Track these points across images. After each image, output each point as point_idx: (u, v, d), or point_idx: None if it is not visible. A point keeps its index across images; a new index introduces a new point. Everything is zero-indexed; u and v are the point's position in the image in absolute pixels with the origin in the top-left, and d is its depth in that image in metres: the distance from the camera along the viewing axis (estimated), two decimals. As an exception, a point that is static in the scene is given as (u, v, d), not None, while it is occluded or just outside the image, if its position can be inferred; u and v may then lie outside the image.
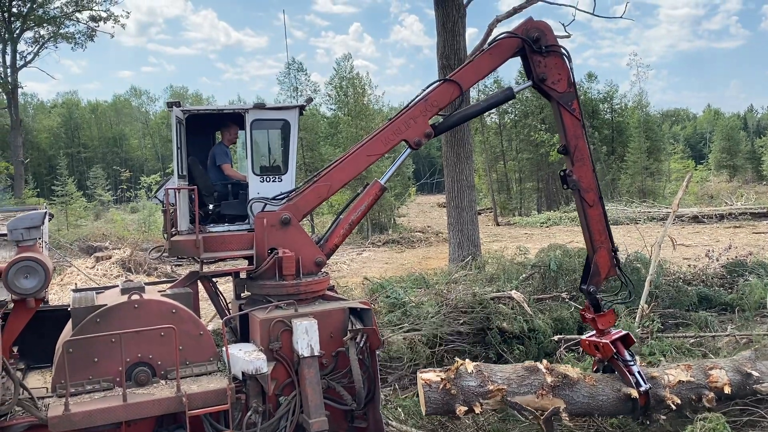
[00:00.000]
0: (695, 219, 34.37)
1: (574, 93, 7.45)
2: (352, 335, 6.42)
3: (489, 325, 10.38)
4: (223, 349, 6.09)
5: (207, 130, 7.91)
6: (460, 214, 16.32)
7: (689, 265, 15.54)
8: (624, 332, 7.67)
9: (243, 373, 5.94)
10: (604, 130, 56.45)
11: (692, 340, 10.62)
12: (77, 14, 42.10)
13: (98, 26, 42.45)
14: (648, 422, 7.54)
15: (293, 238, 6.76)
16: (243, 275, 7.20)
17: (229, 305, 7.58)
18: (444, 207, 21.71)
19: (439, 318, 10.35)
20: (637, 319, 10.80)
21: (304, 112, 7.18)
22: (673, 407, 7.35)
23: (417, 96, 7.26)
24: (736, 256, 15.86)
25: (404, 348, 9.65)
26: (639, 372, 7.38)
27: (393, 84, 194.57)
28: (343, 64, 44.65)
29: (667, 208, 35.89)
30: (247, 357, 5.95)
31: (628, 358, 7.47)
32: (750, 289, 12.82)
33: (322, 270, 6.97)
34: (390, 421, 7.76)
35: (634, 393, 7.21)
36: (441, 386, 6.98)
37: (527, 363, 7.52)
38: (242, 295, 7.25)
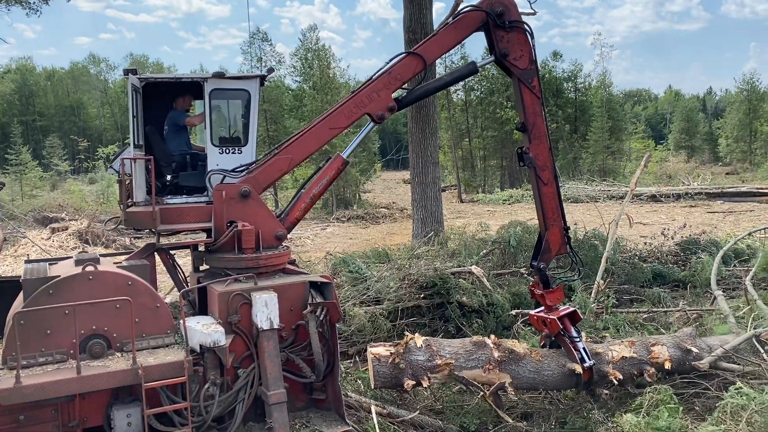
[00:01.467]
0: (653, 198, 35.27)
1: (536, 70, 7.47)
2: (312, 308, 6.41)
3: (449, 299, 10.52)
4: (181, 321, 6.02)
5: (165, 98, 7.69)
6: (424, 191, 16.40)
7: (645, 243, 15.95)
8: (571, 309, 7.83)
9: (201, 345, 5.88)
10: (568, 109, 57.13)
11: (645, 315, 10.97)
12: (31, -25, 40.34)
13: (54, -12, 40.75)
14: (592, 396, 7.76)
15: (253, 211, 6.66)
16: (201, 248, 7.10)
17: (188, 278, 7.48)
18: (409, 183, 21.78)
19: (400, 292, 10.43)
20: (592, 294, 11.07)
21: (265, 82, 7.03)
22: (616, 382, 7.58)
23: (380, 69, 7.17)
24: (690, 235, 16.37)
25: (365, 321, 9.71)
26: (584, 348, 7.59)
27: (359, 57, 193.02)
28: (308, 35, 44.02)
29: (626, 187, 36.65)
30: (205, 330, 5.88)
31: (575, 334, 7.66)
32: (702, 267, 13.28)
33: (283, 244, 6.92)
34: (349, 393, 7.83)
35: (579, 368, 7.43)
36: (390, 360, 7.06)
37: (475, 338, 7.64)
38: (201, 268, 7.16)
